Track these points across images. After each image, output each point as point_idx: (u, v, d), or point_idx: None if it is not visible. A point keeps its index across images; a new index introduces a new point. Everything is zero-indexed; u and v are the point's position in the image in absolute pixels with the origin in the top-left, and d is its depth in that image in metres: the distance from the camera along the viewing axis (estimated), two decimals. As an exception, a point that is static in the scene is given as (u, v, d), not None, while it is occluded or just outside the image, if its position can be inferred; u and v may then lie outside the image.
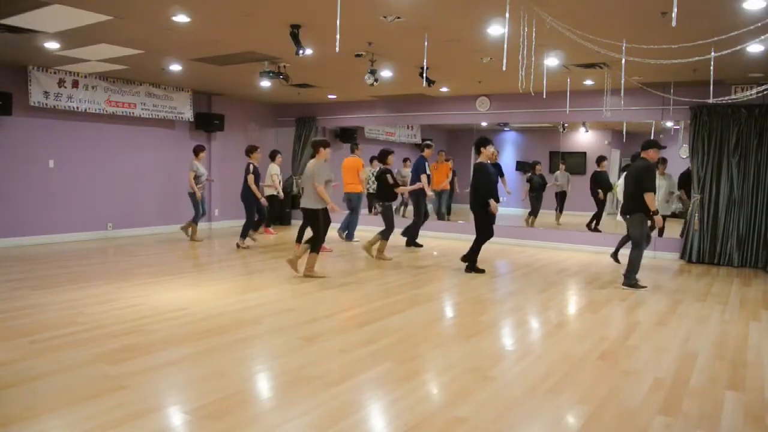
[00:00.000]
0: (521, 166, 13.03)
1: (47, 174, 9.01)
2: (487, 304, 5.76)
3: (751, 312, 5.56)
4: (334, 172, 7.12)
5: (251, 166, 8.82)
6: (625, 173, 6.66)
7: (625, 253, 7.40)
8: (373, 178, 11.31)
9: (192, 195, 9.26)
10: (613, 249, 8.14)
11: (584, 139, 12.69)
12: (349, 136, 12.68)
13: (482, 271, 7.15)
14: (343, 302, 5.62)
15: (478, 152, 6.99)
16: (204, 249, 8.84)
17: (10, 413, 2.97)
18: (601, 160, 10.28)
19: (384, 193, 8.29)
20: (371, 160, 11.49)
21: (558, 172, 11.81)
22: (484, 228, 7.00)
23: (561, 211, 11.63)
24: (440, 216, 11.56)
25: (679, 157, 10.09)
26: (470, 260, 7.16)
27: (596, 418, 3.08)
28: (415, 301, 5.68)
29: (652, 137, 9.94)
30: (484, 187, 6.82)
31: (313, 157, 6.82)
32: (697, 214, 8.54)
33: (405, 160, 13.05)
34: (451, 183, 11.80)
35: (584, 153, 12.52)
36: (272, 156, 10.26)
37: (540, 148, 12.85)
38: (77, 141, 9.37)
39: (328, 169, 6.74)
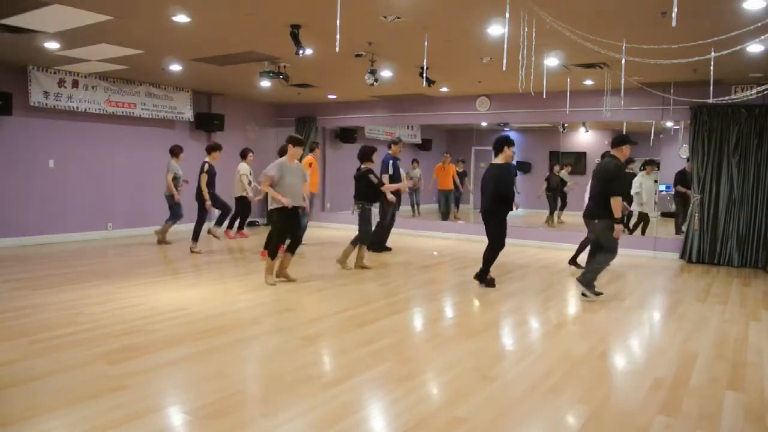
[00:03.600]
0: (521, 167, 13.04)
1: (47, 174, 9.01)
2: (487, 304, 5.76)
3: (751, 312, 5.56)
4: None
5: (206, 165, 8.34)
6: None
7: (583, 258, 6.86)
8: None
9: (170, 197, 8.82)
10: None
11: (584, 139, 12.70)
12: (349, 136, 12.70)
13: (493, 284, 6.38)
14: (343, 302, 5.61)
15: (500, 151, 6.18)
16: (203, 249, 8.83)
17: (10, 413, 2.97)
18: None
19: (368, 194, 7.28)
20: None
21: (563, 171, 11.84)
22: (500, 235, 6.25)
23: (563, 209, 11.66)
24: (445, 216, 11.64)
25: (679, 157, 10.10)
26: (484, 274, 6.40)
27: (596, 418, 3.08)
28: (415, 301, 5.68)
29: (651, 136, 9.97)
30: (508, 191, 6.15)
31: (284, 153, 6.39)
32: (697, 214, 8.54)
33: (414, 161, 13.13)
34: (460, 184, 11.92)
35: (584, 153, 12.52)
36: (244, 155, 9.59)
37: (540, 148, 12.86)
38: (77, 141, 9.37)
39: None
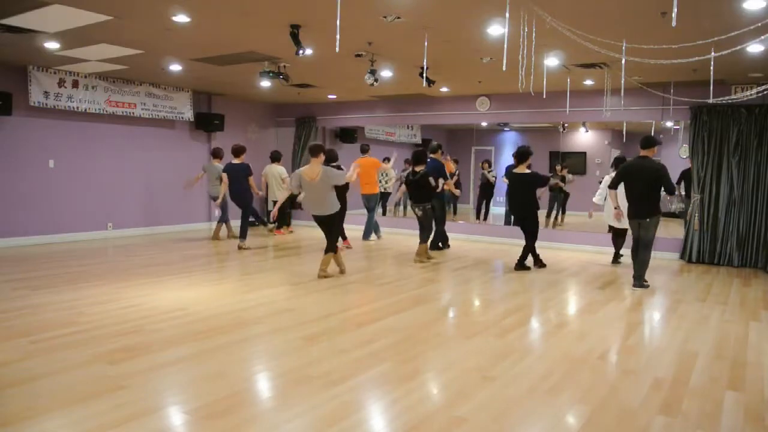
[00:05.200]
0: None
1: (47, 174, 9.01)
2: (487, 304, 5.76)
3: (751, 312, 5.56)
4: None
5: (249, 167, 8.90)
6: (623, 173, 6.40)
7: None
8: (394, 179, 11.61)
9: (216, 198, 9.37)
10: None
11: (584, 139, 12.69)
12: (349, 136, 12.69)
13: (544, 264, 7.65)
14: (343, 302, 5.61)
15: (525, 161, 7.29)
16: (204, 249, 8.84)
17: (10, 413, 2.97)
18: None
19: (426, 194, 7.81)
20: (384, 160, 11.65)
21: (563, 171, 11.81)
22: (537, 225, 7.53)
23: (563, 212, 11.62)
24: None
25: (679, 157, 10.09)
26: (535, 259, 7.64)
27: (596, 418, 3.08)
28: (415, 301, 5.68)
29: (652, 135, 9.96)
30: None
31: (331, 159, 6.80)
32: (697, 214, 8.54)
33: (385, 159, 13.01)
34: (456, 183, 11.86)
35: (584, 153, 12.52)
36: (277, 158, 10.34)
37: (540, 148, 12.78)
38: (77, 141, 9.37)
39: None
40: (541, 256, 7.71)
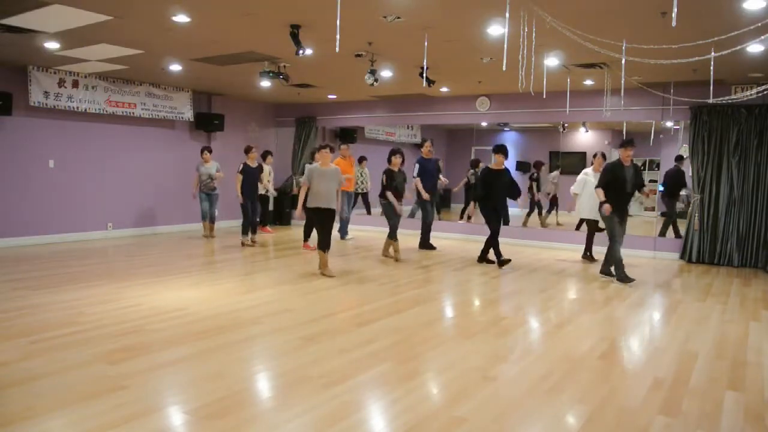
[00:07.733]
0: (521, 166, 13.02)
1: (47, 174, 9.01)
2: (487, 304, 5.76)
3: (751, 312, 5.56)
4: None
5: (241, 165, 9.17)
6: (610, 174, 6.75)
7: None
8: (364, 178, 11.63)
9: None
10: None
11: (584, 139, 12.69)
12: (349, 136, 12.67)
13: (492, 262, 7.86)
14: (343, 302, 5.61)
15: (492, 156, 7.64)
16: (204, 248, 8.84)
17: (10, 413, 2.97)
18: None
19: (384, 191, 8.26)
20: (359, 160, 11.60)
21: (555, 172, 11.80)
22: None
23: (557, 210, 11.61)
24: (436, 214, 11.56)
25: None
26: (493, 253, 7.79)
27: (596, 418, 3.08)
28: (415, 301, 5.68)
29: (652, 137, 9.98)
30: (480, 191, 7.69)
31: (312, 157, 6.90)
32: (697, 214, 8.54)
33: (361, 159, 12.93)
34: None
35: (584, 153, 12.51)
36: (263, 156, 10.45)
37: (540, 148, 12.84)
38: (77, 141, 9.37)
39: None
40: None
